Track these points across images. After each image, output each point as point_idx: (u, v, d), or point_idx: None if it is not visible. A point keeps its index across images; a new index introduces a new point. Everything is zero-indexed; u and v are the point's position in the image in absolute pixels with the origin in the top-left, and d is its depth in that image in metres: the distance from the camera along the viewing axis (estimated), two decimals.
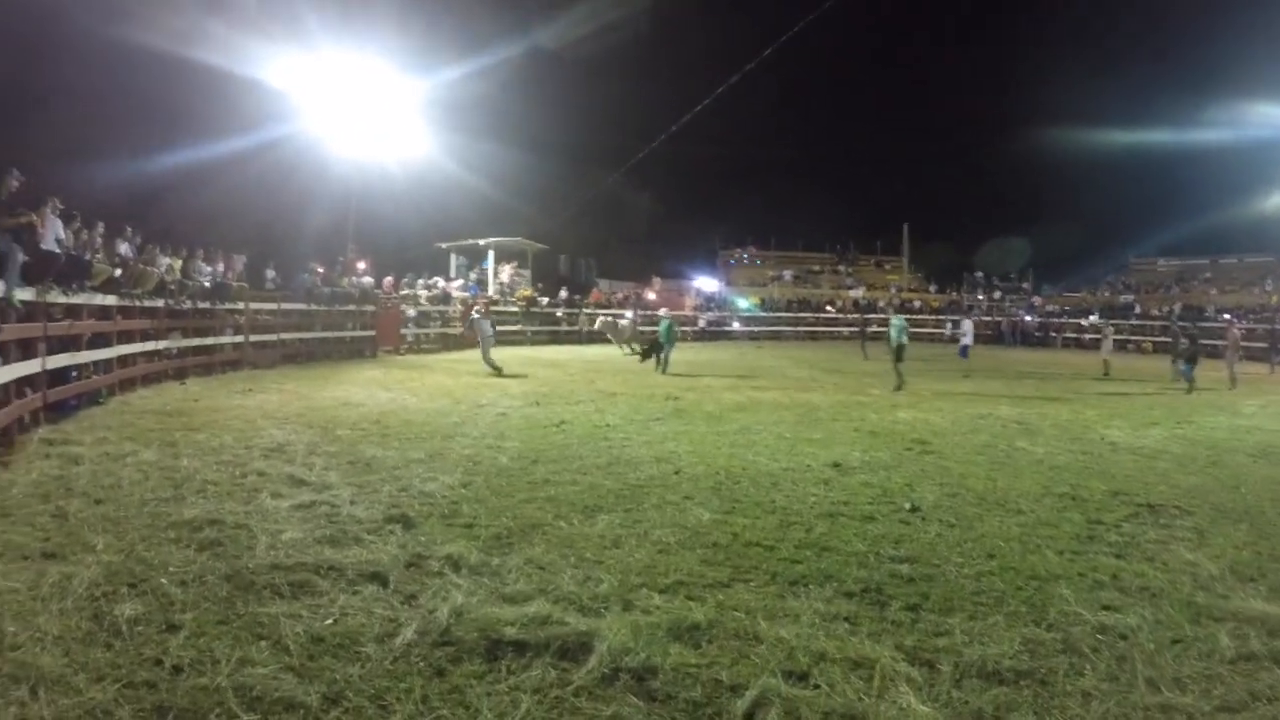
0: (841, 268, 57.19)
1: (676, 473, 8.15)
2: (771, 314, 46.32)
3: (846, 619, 4.41)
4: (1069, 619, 4.53)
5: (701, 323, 43.17)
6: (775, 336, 43.05)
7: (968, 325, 23.93)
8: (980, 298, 50.51)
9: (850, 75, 63.65)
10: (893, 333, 17.75)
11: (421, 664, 3.86)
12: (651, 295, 45.29)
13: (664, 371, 20.10)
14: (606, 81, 48.10)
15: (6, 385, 8.73)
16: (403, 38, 31.92)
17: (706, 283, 51.18)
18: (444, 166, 35.54)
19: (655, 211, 54.71)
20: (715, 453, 9.24)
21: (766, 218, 57.88)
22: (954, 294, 52.40)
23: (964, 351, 22.53)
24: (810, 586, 4.92)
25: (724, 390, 16.24)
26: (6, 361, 8.90)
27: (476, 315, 21.13)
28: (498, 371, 18.83)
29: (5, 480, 7.25)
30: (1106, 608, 4.73)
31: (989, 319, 45.46)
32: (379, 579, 4.96)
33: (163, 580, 4.85)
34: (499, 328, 30.52)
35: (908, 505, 6.92)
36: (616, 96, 49.22)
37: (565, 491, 7.27)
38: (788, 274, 54.78)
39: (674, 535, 5.94)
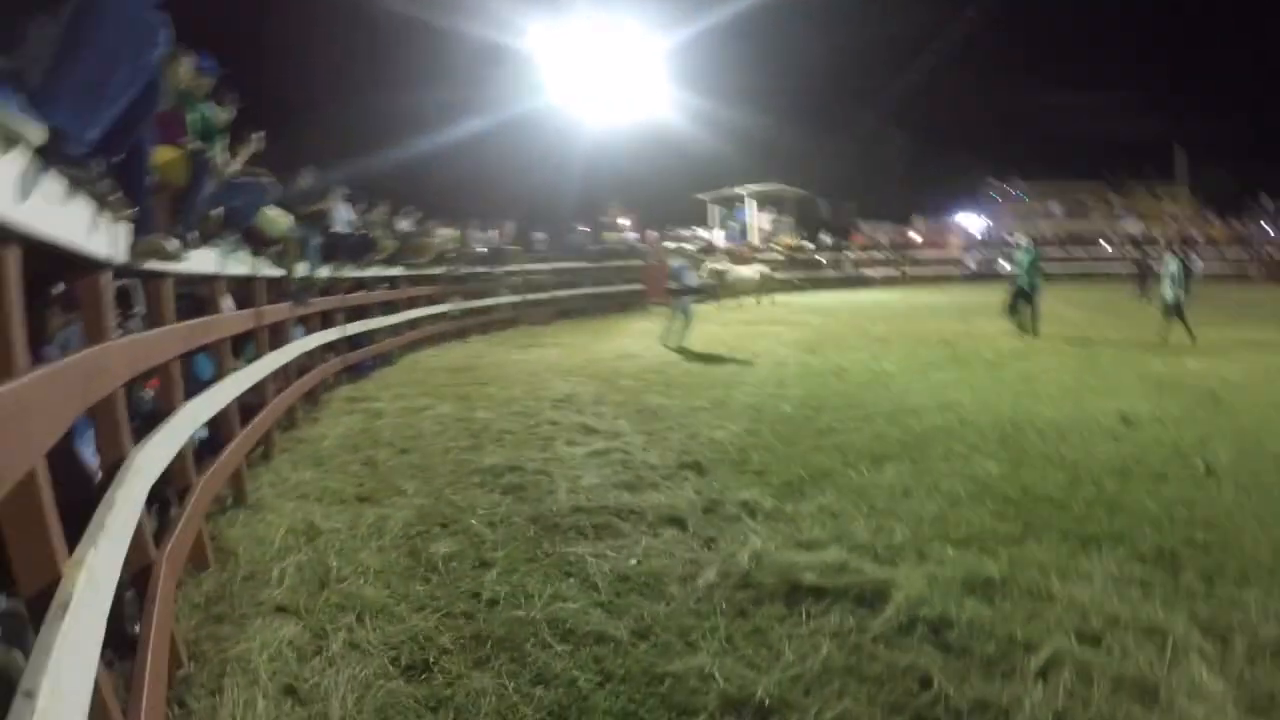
0: (1112, 197, 51.43)
1: (961, 422, 8.00)
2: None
3: (1140, 583, 4.19)
4: None
5: (971, 264, 40.75)
6: (1045, 276, 39.58)
7: None
8: (1268, 229, 43.49)
9: None
10: (1166, 284, 14.65)
11: (724, 605, 3.96)
12: (914, 235, 43.43)
13: (1035, 333, 15.34)
14: (855, 18, 46.54)
15: (312, 352, 9.75)
16: None
17: (970, 220, 48.15)
18: (697, 122, 35.98)
19: (914, 148, 52.53)
20: (998, 402, 9.01)
21: (1031, 147, 53.22)
22: (1238, 224, 45.47)
23: None
24: (1102, 547, 4.67)
25: (1000, 335, 15.59)
26: (312, 331, 9.93)
27: (679, 265, 15.67)
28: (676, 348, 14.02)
29: (317, 434, 8.12)
30: None
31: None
32: (678, 523, 5.13)
33: (472, 521, 5.22)
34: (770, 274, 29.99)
35: (1201, 465, 6.38)
36: (867, 33, 47.54)
37: (851, 440, 7.28)
38: (1056, 208, 50.15)
39: (963, 487, 5.82)
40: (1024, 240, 19.33)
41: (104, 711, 2.20)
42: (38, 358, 3.04)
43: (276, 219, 7.83)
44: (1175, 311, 14.45)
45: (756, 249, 33.20)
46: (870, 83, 45.62)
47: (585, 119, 32.42)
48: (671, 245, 27.85)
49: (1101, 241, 44.46)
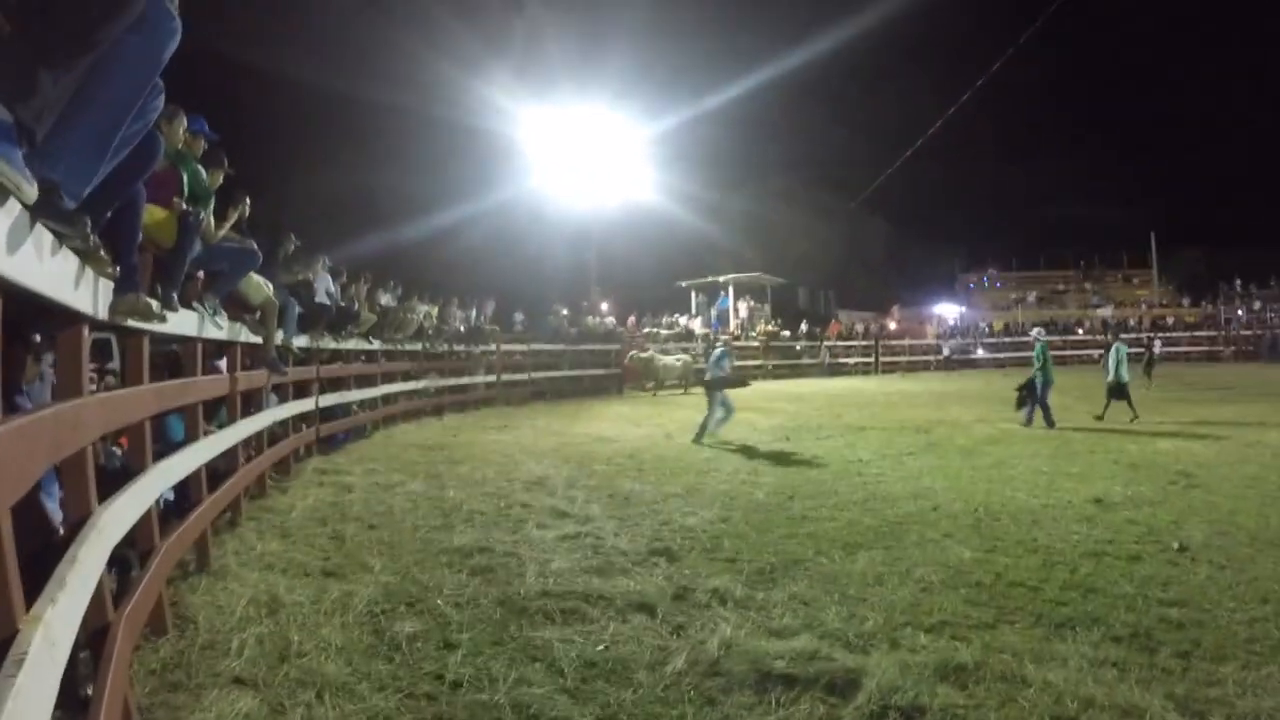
0: (1088, 285, 53.04)
1: (934, 509, 8.01)
2: (1016, 339, 43.54)
3: (1115, 664, 4.20)
4: None
5: (945, 351, 41.46)
6: (1023, 362, 40.38)
7: None
8: (1239, 311, 44.88)
9: (1083, 82, 60.23)
10: (1110, 362, 15.26)
11: (692, 693, 3.91)
12: (892, 325, 44.25)
13: (1051, 424, 14.10)
14: (833, 112, 48.31)
15: (285, 421, 9.68)
16: (633, 87, 33.93)
17: (947, 309, 49.19)
18: (680, 208, 36.93)
19: (892, 237, 54.16)
20: (972, 488, 9.04)
21: (1006, 236, 55.49)
22: (1209, 307, 46.97)
23: None
24: (1077, 629, 4.71)
25: (975, 422, 15.74)
26: (286, 400, 9.87)
27: (720, 352, 14.24)
28: (703, 436, 13.06)
29: (285, 505, 8.03)
30: None
31: (1249, 333, 41.90)
32: (647, 609, 5.06)
33: (438, 601, 5.14)
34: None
35: (1175, 545, 6.48)
36: (844, 125, 49.36)
37: (824, 528, 7.27)
38: (1031, 296, 51.59)
39: (936, 574, 5.82)
40: (1036, 331, 19.43)
41: None
42: (11, 406, 3.01)
43: (260, 286, 7.87)
44: (1116, 391, 15.08)
45: (734, 337, 33.55)
46: (852, 171, 47.15)
47: (570, 203, 33.04)
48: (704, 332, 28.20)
49: (1078, 329, 45.45)
